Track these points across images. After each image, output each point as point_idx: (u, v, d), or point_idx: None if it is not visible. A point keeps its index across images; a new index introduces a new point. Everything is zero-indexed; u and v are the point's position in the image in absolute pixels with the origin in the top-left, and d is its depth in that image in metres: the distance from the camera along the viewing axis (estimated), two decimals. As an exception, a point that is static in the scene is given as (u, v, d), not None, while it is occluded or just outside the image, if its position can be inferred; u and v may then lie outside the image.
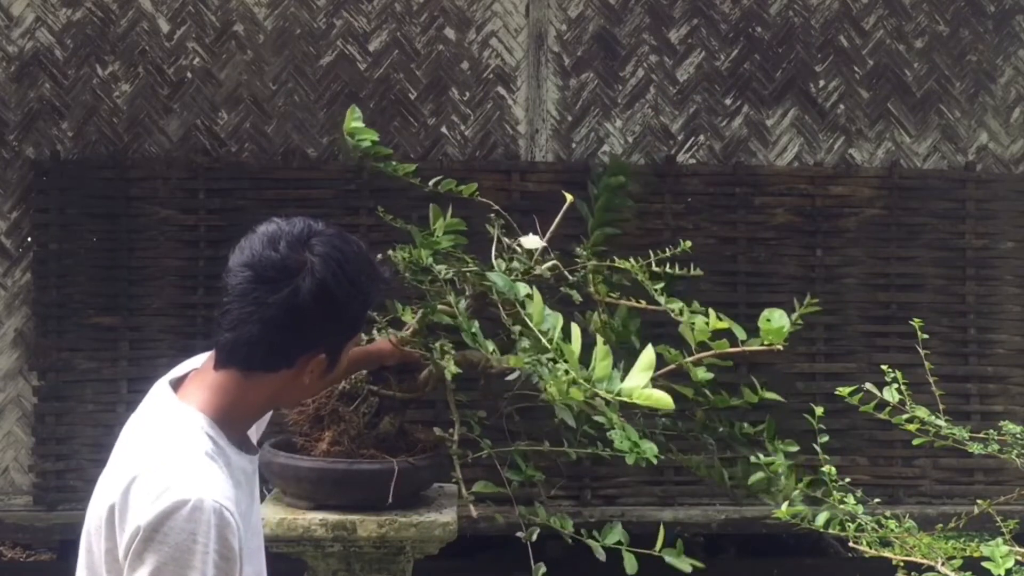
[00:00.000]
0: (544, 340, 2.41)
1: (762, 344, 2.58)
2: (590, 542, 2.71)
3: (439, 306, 2.81)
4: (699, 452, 3.32)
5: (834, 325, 4.56)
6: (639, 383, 2.16)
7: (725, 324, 2.66)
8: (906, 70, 4.69)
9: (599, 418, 2.56)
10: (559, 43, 4.58)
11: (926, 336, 2.71)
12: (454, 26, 4.54)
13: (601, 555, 2.70)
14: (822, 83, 4.67)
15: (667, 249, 2.94)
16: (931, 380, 2.69)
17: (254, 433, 1.90)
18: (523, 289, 2.59)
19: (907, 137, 4.70)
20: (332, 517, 2.81)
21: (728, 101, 4.64)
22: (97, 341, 4.32)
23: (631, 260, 2.94)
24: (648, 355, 2.17)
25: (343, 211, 4.36)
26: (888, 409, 2.57)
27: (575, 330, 2.36)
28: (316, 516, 2.81)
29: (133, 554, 1.52)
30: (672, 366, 2.80)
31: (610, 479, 4.43)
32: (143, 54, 4.43)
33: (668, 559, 2.66)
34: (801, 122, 4.66)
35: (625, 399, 2.17)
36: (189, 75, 4.45)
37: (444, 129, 4.54)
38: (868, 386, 2.57)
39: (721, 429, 3.18)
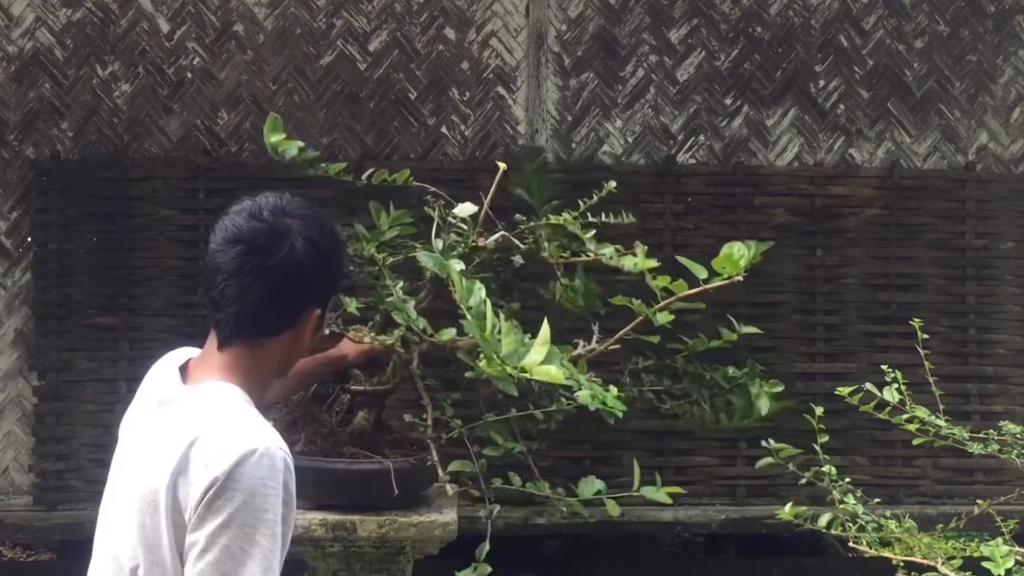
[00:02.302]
0: (468, 317, 2.46)
1: (722, 280, 2.60)
2: (570, 499, 2.73)
3: (387, 297, 2.82)
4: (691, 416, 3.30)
5: (834, 325, 4.56)
6: (536, 359, 2.26)
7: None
8: (906, 70, 4.69)
9: (569, 381, 2.59)
10: (559, 43, 4.58)
11: (926, 336, 2.71)
12: (454, 26, 4.54)
13: (584, 512, 2.73)
14: (822, 83, 4.67)
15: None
16: (931, 380, 2.69)
17: None
18: (456, 265, 2.62)
19: (907, 137, 4.69)
20: (332, 517, 2.81)
21: (728, 101, 4.64)
22: (97, 341, 4.32)
23: (563, 215, 2.96)
24: (545, 331, 2.28)
25: (343, 211, 4.32)
26: (888, 409, 2.57)
27: (488, 307, 2.42)
28: (316, 516, 2.82)
29: (206, 506, 1.60)
30: (639, 319, 2.82)
31: (610, 479, 4.39)
32: (143, 54, 4.43)
33: (648, 496, 2.69)
34: (801, 122, 4.66)
35: (526, 375, 2.28)
36: (189, 75, 4.45)
37: (444, 129, 4.54)
38: (868, 386, 2.57)
39: (708, 377, 3.17)
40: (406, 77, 4.52)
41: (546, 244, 2.99)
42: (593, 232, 2.89)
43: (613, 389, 2.55)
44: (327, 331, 2.79)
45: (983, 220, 4.64)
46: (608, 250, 2.82)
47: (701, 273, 2.68)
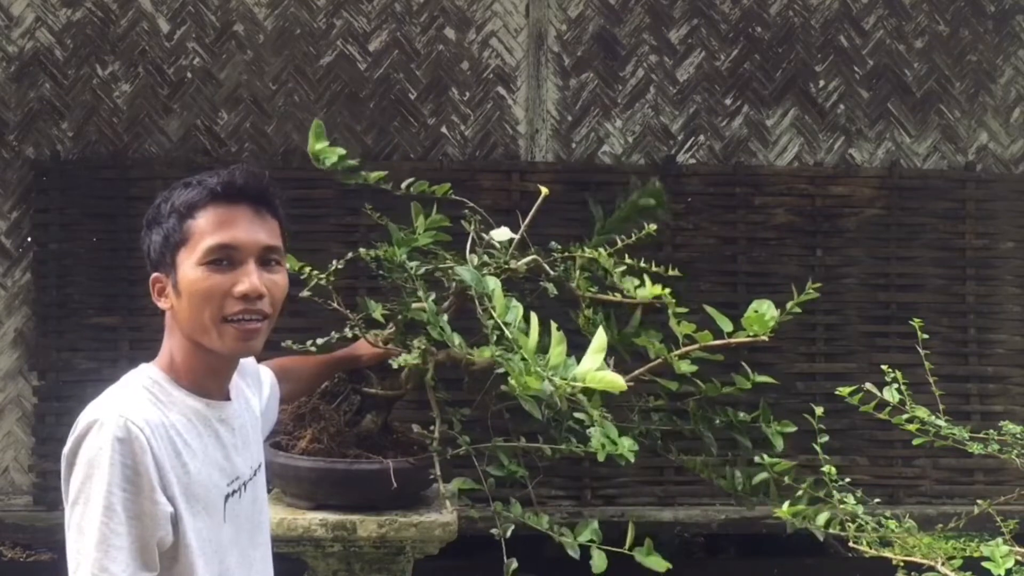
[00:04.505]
0: (507, 332, 2.40)
1: (748, 336, 2.56)
2: (563, 540, 2.69)
3: (414, 304, 2.80)
4: (699, 452, 3.30)
5: (834, 325, 4.56)
6: (591, 366, 2.13)
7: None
8: (906, 70, 4.69)
9: (580, 415, 2.55)
10: (559, 43, 4.58)
11: (926, 336, 2.71)
12: (454, 26, 4.54)
13: (575, 553, 2.67)
14: (822, 83, 4.67)
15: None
16: (931, 380, 2.69)
17: (255, 396, 2.00)
18: (491, 283, 2.58)
19: (907, 137, 4.70)
20: (332, 517, 2.81)
21: (728, 101, 4.64)
22: (97, 341, 4.32)
23: (599, 250, 2.92)
24: (600, 338, 2.15)
25: (343, 211, 4.36)
26: (888, 409, 2.57)
27: (534, 320, 2.35)
28: (316, 516, 2.82)
29: (63, 483, 1.60)
30: (658, 360, 2.79)
31: (610, 479, 4.43)
32: (143, 54, 4.43)
33: (639, 558, 2.64)
34: (801, 122, 4.67)
35: (579, 383, 2.15)
36: (189, 75, 4.45)
37: (444, 129, 4.54)
38: (868, 386, 2.57)
39: (718, 421, 3.16)
40: (406, 77, 4.52)
41: (576, 274, 2.95)
42: (623, 268, 2.85)
43: (628, 441, 2.49)
44: (349, 333, 2.80)
45: (983, 220, 4.64)
46: (629, 284, 2.78)
47: (727, 326, 2.63)
